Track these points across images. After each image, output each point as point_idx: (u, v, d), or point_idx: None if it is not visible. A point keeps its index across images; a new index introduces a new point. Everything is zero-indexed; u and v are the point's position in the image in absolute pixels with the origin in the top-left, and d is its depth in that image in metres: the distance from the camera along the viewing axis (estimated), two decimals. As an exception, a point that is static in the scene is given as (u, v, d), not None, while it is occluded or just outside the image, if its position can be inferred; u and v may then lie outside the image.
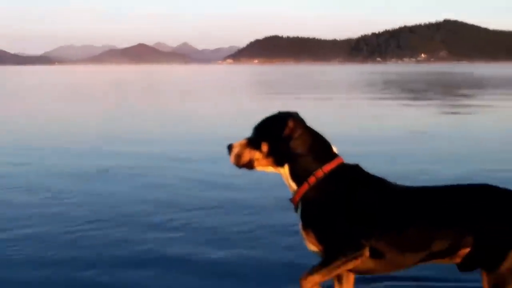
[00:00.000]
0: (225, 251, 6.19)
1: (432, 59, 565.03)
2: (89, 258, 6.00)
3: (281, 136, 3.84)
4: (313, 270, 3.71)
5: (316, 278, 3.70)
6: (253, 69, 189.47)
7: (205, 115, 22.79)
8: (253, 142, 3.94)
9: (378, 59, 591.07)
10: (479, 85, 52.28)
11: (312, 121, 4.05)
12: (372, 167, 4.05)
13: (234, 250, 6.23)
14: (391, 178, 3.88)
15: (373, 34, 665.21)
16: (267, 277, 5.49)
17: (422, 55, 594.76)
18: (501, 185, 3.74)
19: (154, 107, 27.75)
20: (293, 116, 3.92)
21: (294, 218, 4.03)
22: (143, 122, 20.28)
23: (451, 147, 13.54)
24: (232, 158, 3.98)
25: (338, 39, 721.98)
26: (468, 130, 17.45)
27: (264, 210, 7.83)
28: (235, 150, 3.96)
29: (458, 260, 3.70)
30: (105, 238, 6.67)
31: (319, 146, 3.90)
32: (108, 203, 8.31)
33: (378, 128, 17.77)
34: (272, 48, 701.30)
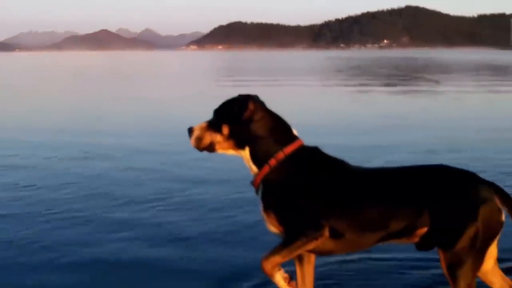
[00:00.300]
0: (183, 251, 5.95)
1: (394, 45, 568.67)
2: (33, 261, 5.64)
3: (241, 118, 3.84)
4: (274, 251, 3.74)
5: (277, 259, 3.73)
6: (217, 55, 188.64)
7: (164, 100, 22.67)
8: (213, 125, 3.94)
9: (342, 45, 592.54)
10: (440, 70, 52.92)
11: (273, 106, 4.05)
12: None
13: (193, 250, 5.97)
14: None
15: (337, 20, 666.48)
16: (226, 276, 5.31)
17: (385, 41, 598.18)
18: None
19: (109, 95, 27.32)
20: (253, 99, 3.93)
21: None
22: (98, 111, 19.84)
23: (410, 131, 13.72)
24: (192, 141, 3.97)
25: (302, 25, 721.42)
26: (427, 113, 17.68)
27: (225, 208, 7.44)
28: (196, 133, 3.96)
29: (416, 239, 3.77)
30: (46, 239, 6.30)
31: (280, 129, 3.92)
32: (59, 198, 7.97)
33: (342, 113, 17.90)
34: (236, 34, 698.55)
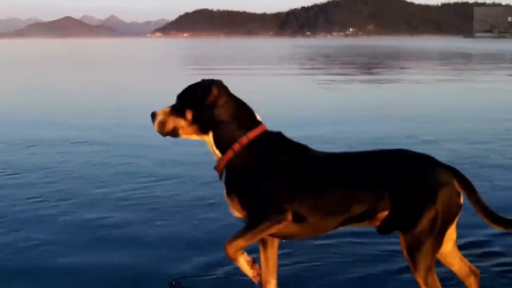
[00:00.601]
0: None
1: (360, 33, 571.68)
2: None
3: (205, 103, 3.84)
4: (237, 235, 3.77)
5: (240, 242, 3.76)
6: (182, 42, 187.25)
7: (127, 88, 22.46)
8: (177, 110, 3.93)
9: (308, 33, 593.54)
10: (412, 58, 53.42)
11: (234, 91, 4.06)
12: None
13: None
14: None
15: (302, 8, 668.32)
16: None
17: (351, 29, 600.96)
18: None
19: (69, 82, 26.73)
20: (217, 84, 3.92)
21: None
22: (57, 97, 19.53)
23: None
24: (155, 126, 3.96)
25: (268, 13, 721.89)
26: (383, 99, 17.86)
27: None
28: (159, 118, 3.94)
29: (377, 223, 3.82)
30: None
31: (243, 114, 3.93)
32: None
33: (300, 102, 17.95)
34: (202, 22, 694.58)
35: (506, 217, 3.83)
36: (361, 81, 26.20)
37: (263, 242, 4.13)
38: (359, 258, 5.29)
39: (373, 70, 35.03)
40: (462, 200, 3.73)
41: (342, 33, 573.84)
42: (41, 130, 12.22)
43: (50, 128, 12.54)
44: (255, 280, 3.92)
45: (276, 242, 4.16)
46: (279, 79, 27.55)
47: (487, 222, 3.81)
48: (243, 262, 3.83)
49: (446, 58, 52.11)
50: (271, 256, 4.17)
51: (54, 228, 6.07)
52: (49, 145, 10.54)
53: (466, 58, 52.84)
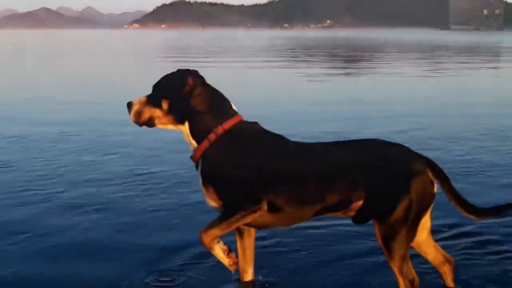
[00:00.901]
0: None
1: (337, 25, 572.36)
2: None
3: (181, 93, 3.85)
4: (213, 224, 3.79)
5: (216, 231, 3.78)
6: (160, 34, 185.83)
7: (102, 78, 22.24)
8: (153, 100, 3.93)
9: (285, 25, 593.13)
10: (381, 49, 53.65)
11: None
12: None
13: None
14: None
15: (280, 0, 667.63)
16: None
17: (328, 21, 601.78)
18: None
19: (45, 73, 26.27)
20: (193, 74, 3.93)
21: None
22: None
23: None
24: (132, 115, 3.96)
25: (246, 5, 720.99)
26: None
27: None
28: (135, 108, 3.95)
29: (352, 213, 3.86)
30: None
31: (219, 104, 3.94)
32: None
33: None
34: (180, 13, 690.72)
35: (478, 206, 3.89)
36: (345, 74, 26.22)
37: (240, 232, 4.15)
38: (338, 238, 5.33)
39: (353, 64, 35.06)
40: (435, 189, 3.78)
41: (319, 25, 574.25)
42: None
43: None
44: (231, 269, 3.94)
45: (252, 231, 4.18)
46: (256, 71, 27.47)
47: (460, 211, 3.87)
48: (218, 251, 3.85)
49: (427, 51, 52.32)
50: (248, 245, 4.20)
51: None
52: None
53: (447, 50, 53.18)
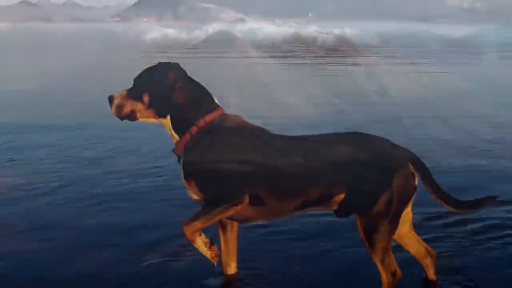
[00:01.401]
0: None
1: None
2: None
3: (162, 86, 3.83)
4: (194, 217, 3.77)
5: (197, 224, 3.77)
6: (142, 28, 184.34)
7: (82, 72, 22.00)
8: (134, 93, 3.91)
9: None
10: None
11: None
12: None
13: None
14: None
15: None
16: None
17: (310, 14, 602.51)
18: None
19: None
20: (174, 67, 3.91)
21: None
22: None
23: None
24: (113, 109, 3.94)
25: None
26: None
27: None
28: (116, 101, 3.92)
29: (334, 207, 3.86)
30: None
31: (201, 97, 3.93)
32: None
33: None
34: (163, 6, 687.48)
35: (458, 199, 3.91)
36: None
37: (223, 226, 4.15)
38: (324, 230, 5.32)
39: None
40: (417, 182, 3.80)
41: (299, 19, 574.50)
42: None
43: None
44: (214, 261, 3.93)
45: (235, 225, 4.18)
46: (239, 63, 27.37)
47: (441, 203, 3.89)
48: (200, 244, 3.84)
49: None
50: (231, 239, 4.20)
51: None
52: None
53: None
